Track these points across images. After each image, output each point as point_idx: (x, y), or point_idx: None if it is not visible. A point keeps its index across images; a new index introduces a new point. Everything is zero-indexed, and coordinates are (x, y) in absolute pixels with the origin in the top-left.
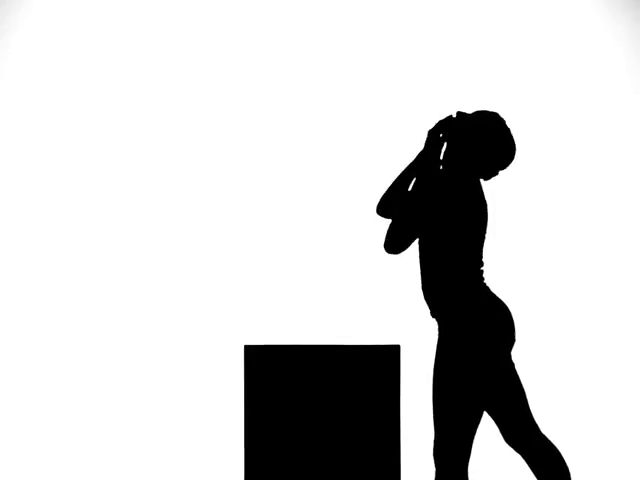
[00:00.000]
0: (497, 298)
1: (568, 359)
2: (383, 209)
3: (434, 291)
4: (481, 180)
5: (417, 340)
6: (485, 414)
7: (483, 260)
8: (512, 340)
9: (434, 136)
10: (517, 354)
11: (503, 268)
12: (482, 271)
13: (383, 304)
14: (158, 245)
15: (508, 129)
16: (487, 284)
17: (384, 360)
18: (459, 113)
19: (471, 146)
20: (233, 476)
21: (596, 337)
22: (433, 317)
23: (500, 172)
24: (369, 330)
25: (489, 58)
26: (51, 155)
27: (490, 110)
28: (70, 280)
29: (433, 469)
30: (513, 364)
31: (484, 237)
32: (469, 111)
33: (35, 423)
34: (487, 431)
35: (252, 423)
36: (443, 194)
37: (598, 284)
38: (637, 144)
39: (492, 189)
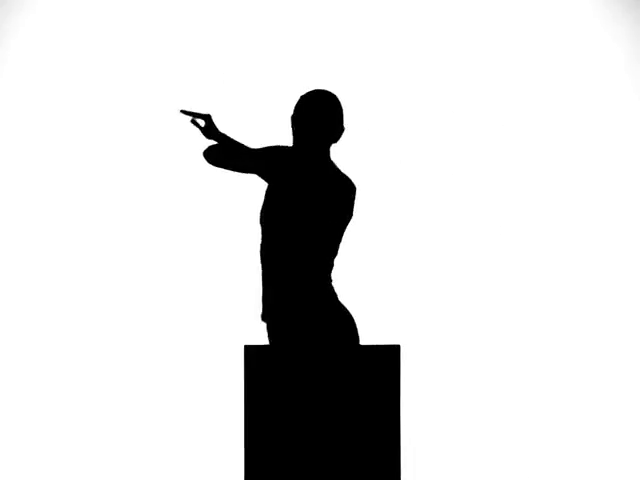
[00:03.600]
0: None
1: (568, 359)
2: (217, 160)
3: (271, 291)
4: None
5: (417, 340)
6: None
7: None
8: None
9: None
10: (518, 354)
11: (504, 266)
12: (328, 278)
13: (383, 304)
14: (158, 245)
15: (303, 97)
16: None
17: (384, 360)
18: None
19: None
20: (233, 476)
21: (596, 338)
22: (263, 320)
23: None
24: (369, 330)
25: (490, 59)
26: (51, 155)
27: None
28: (69, 281)
29: (432, 469)
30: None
31: (333, 232)
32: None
33: (35, 423)
34: (487, 432)
35: (252, 423)
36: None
37: (598, 284)
38: (637, 144)
39: (493, 189)
